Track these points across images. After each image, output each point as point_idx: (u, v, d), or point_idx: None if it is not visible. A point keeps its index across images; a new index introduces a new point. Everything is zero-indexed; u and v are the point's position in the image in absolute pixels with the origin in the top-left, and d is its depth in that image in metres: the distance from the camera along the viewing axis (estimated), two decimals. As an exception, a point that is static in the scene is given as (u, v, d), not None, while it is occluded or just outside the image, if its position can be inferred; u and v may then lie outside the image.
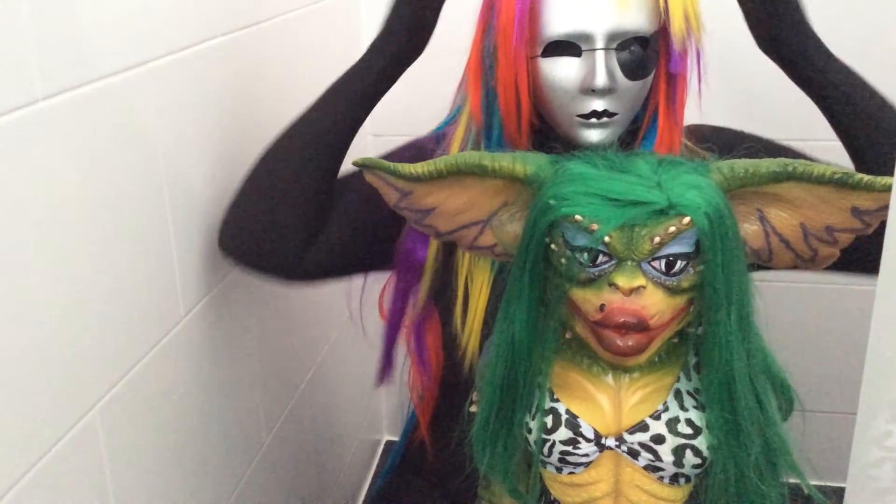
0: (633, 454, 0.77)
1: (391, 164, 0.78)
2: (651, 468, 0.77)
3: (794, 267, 0.80)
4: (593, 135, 0.94)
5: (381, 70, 0.99)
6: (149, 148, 0.88)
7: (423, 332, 1.10)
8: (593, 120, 0.93)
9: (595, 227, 0.69)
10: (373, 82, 1.00)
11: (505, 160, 0.76)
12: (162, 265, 0.91)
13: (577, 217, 0.70)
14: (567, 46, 0.92)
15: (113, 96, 0.80)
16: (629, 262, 0.70)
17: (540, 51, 0.93)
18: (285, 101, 1.27)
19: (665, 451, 0.76)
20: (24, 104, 0.68)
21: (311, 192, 0.97)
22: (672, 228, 0.69)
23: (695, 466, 0.76)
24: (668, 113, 0.99)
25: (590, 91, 0.92)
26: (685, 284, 0.72)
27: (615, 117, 0.94)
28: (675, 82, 0.98)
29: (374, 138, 1.75)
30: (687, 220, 0.69)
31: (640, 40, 0.93)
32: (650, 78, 0.96)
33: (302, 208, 0.97)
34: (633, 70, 0.93)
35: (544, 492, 0.82)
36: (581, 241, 0.71)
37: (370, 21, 1.67)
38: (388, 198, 0.80)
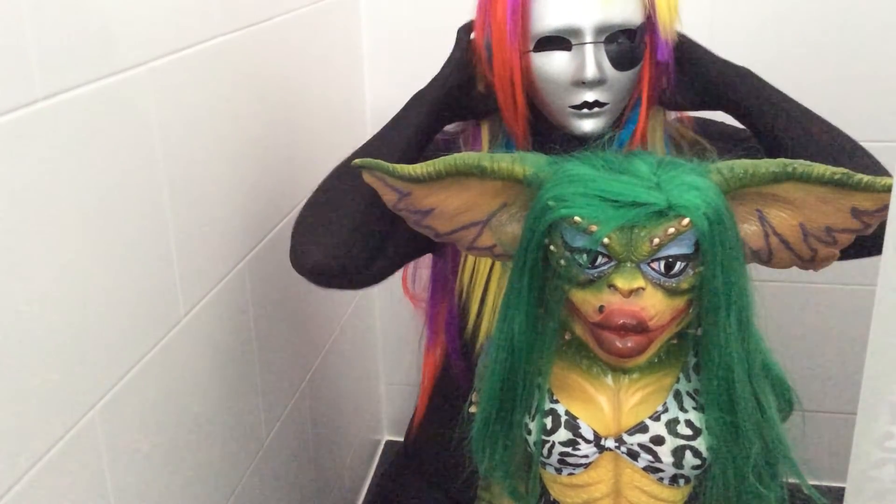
0: (633, 455, 0.77)
1: (389, 165, 0.78)
2: (650, 469, 0.77)
3: (793, 265, 0.80)
4: (586, 125, 0.99)
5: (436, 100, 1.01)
6: (149, 148, 0.88)
7: (437, 302, 1.14)
8: (585, 110, 0.98)
9: (594, 228, 0.69)
10: (416, 131, 1.01)
11: (504, 161, 0.76)
12: (162, 265, 0.91)
13: (577, 218, 0.70)
14: (557, 41, 0.96)
15: (113, 96, 0.80)
16: (628, 264, 0.70)
17: (532, 46, 0.97)
18: (285, 100, 1.27)
19: (664, 452, 0.76)
20: (24, 104, 0.68)
21: (377, 211, 0.95)
22: (671, 230, 0.69)
23: (694, 467, 0.76)
24: (653, 100, 1.03)
25: (581, 83, 0.96)
26: (684, 285, 0.71)
27: (606, 107, 0.98)
28: (661, 71, 1.01)
29: (374, 138, 1.75)
30: (686, 221, 0.69)
31: (628, 32, 0.97)
32: (638, 68, 0.99)
33: (370, 224, 0.96)
34: (622, 61, 0.97)
35: (544, 492, 0.82)
36: (580, 242, 0.71)
37: (370, 21, 1.68)
38: (386, 199, 0.80)
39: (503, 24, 0.96)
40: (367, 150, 1.00)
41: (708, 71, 1.01)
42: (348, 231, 0.95)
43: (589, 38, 0.95)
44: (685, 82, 1.04)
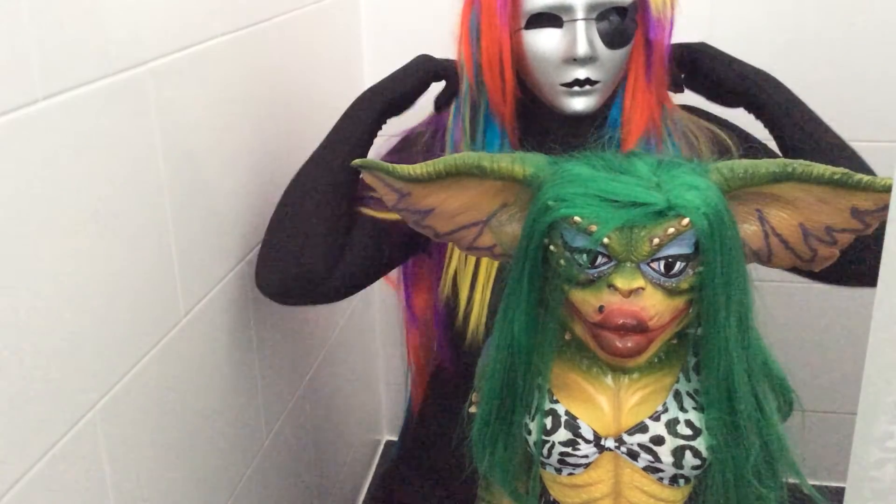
0: (633, 455, 0.77)
1: (389, 165, 0.78)
2: (650, 469, 0.77)
3: (794, 267, 0.80)
4: (577, 103, 0.99)
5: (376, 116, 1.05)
6: (149, 148, 0.88)
7: (412, 290, 1.16)
8: (576, 88, 0.98)
9: (594, 228, 0.69)
10: (368, 127, 1.05)
11: (504, 161, 0.76)
12: (162, 265, 0.91)
13: (576, 218, 0.70)
14: (549, 18, 0.97)
15: (113, 96, 0.80)
16: (628, 264, 0.70)
17: (523, 24, 0.97)
18: (285, 100, 1.27)
19: (664, 453, 0.76)
20: (24, 104, 0.68)
21: (329, 220, 1.00)
22: (671, 230, 0.69)
23: (694, 467, 0.76)
24: (642, 78, 1.03)
25: (572, 60, 0.96)
26: (684, 285, 0.71)
27: (597, 85, 0.98)
28: (652, 50, 1.02)
29: (374, 138, 1.75)
30: (686, 221, 0.69)
31: (619, 10, 0.97)
32: (629, 47, 0.99)
33: (323, 235, 0.99)
34: (613, 39, 0.97)
35: (544, 492, 0.82)
36: (580, 242, 0.71)
37: (370, 21, 1.68)
38: (386, 199, 0.80)
39: (493, 2, 0.96)
40: (322, 154, 1.04)
41: (729, 70, 1.03)
42: (299, 247, 0.98)
43: (580, 14, 0.95)
44: (701, 80, 1.06)
